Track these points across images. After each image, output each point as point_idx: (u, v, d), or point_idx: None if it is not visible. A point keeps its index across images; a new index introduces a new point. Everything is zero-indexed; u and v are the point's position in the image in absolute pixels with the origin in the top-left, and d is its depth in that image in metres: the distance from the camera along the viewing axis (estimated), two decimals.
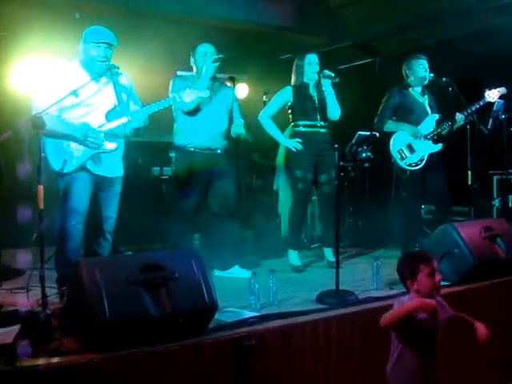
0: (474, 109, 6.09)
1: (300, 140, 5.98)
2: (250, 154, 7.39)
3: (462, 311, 3.66)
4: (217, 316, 3.83)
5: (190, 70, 5.87)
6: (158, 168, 7.40)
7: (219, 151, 5.71)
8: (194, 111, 5.55)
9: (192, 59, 5.74)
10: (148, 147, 7.03)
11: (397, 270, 3.54)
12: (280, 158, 6.84)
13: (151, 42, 6.91)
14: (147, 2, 6.85)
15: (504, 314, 5.02)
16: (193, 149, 5.61)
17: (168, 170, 7.21)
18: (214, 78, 5.67)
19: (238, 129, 5.64)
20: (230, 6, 7.26)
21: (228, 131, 5.78)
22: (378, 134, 5.09)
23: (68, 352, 3.30)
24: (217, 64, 5.50)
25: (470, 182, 5.90)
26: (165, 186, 7.28)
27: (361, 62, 9.07)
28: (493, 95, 6.09)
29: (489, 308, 4.85)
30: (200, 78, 5.50)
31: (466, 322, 3.58)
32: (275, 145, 6.73)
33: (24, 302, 4.25)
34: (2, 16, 6.39)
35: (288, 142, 6.04)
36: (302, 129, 6.06)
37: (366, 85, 7.73)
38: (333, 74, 5.90)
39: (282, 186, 7.24)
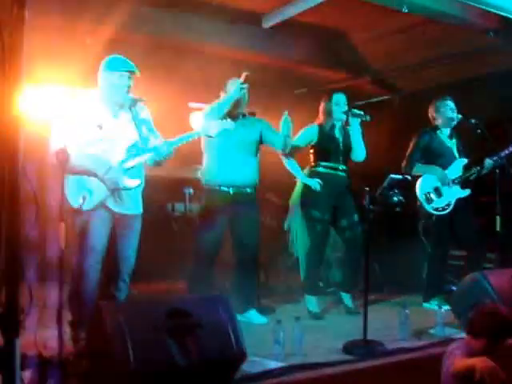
0: (503, 155, 5.93)
1: (319, 181, 5.79)
2: (264, 192, 7.18)
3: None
4: None
5: (204, 101, 5.68)
6: (170, 204, 7.19)
7: (248, 190, 5.48)
8: (219, 146, 5.36)
9: (222, 93, 5.53)
10: (160, 182, 6.79)
11: (477, 319, 3.56)
12: (296, 197, 6.64)
13: (166, 72, 6.74)
14: (164, 31, 6.69)
15: None
16: (218, 187, 5.38)
17: (180, 207, 7.00)
18: (240, 113, 5.49)
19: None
20: (247, 38, 7.12)
21: (256, 166, 5.57)
22: (409, 178, 4.92)
23: None
24: (244, 88, 5.25)
25: (498, 228, 5.69)
26: (176, 224, 7.05)
27: (379, 99, 8.93)
28: None
29: None
30: (225, 99, 5.33)
31: None
32: (291, 184, 6.54)
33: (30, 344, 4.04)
34: None
35: (309, 181, 5.85)
36: (322, 170, 5.89)
37: (384, 122, 7.58)
38: (362, 112, 5.74)
39: (298, 227, 7.03)
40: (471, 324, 3.57)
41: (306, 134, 5.94)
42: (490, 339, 3.42)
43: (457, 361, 3.39)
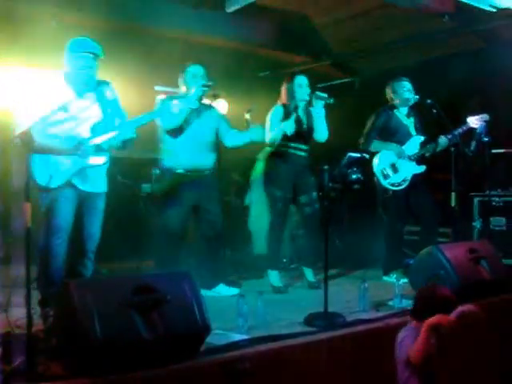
0: (456, 133, 6.13)
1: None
2: (229, 173, 7.31)
3: None
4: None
5: (169, 85, 5.76)
6: (138, 185, 7.25)
7: (207, 172, 5.64)
8: (179, 131, 5.48)
9: (181, 79, 5.65)
10: (127, 163, 6.86)
11: (418, 302, 3.71)
12: (257, 174, 6.73)
13: (131, 56, 6.80)
14: (128, 15, 6.74)
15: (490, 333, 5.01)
16: (180, 171, 5.54)
17: (147, 188, 7.07)
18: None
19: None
20: (210, 23, 7.20)
21: (215, 150, 5.74)
22: (368, 156, 5.06)
23: (55, 377, 3.19)
24: (206, 89, 5.43)
25: (453, 204, 5.88)
26: (143, 204, 7.12)
27: (340, 82, 9.08)
28: (475, 121, 6.11)
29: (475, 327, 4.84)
30: (187, 97, 5.42)
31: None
32: (254, 163, 6.66)
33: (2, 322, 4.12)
34: None
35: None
36: (283, 149, 5.97)
37: (344, 104, 7.74)
38: (326, 95, 5.82)
39: (254, 201, 7.13)
40: (414, 309, 3.72)
41: (275, 117, 5.94)
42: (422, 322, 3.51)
43: (409, 350, 3.49)
